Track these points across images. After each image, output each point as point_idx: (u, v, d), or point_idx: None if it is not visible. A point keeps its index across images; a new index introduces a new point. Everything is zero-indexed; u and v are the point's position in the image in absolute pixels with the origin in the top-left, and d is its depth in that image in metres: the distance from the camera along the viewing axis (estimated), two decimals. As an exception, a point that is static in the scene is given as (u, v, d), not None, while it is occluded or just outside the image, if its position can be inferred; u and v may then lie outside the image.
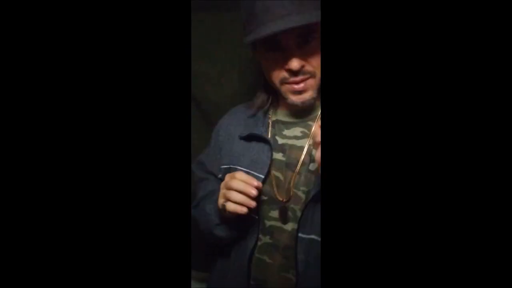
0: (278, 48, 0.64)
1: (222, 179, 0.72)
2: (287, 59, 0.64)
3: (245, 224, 0.72)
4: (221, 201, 0.68)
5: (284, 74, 0.65)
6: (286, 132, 0.72)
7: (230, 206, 0.65)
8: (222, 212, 0.69)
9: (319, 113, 0.69)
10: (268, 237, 0.70)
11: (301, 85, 0.65)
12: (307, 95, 0.67)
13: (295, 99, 0.67)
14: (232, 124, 0.80)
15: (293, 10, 0.60)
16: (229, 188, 0.65)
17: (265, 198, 0.71)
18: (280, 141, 0.72)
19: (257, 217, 0.71)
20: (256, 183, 0.64)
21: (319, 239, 0.64)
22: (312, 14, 0.61)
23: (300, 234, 0.66)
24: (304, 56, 0.64)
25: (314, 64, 0.65)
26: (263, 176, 0.69)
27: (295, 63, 0.63)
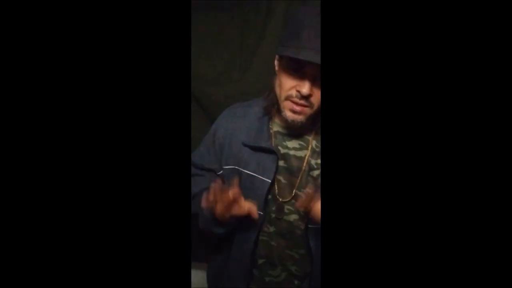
0: (300, 72, 0.76)
1: (222, 176, 0.87)
2: (302, 83, 0.76)
3: (246, 220, 0.82)
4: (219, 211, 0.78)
5: (293, 92, 0.77)
6: (287, 143, 0.85)
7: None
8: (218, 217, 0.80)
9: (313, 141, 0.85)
10: (272, 227, 0.86)
11: (302, 108, 0.78)
12: (300, 118, 0.79)
13: (290, 116, 0.79)
14: (233, 129, 0.89)
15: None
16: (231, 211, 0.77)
17: (270, 197, 0.85)
18: (282, 150, 0.85)
19: (262, 213, 0.83)
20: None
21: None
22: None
23: (309, 225, 0.82)
24: (314, 89, 0.77)
25: (316, 99, 0.78)
26: (270, 181, 0.82)
27: (306, 89, 0.75)
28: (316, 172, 0.82)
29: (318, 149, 0.83)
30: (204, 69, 1.10)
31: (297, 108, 0.77)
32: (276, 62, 0.82)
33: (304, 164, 0.83)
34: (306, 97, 0.76)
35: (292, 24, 0.77)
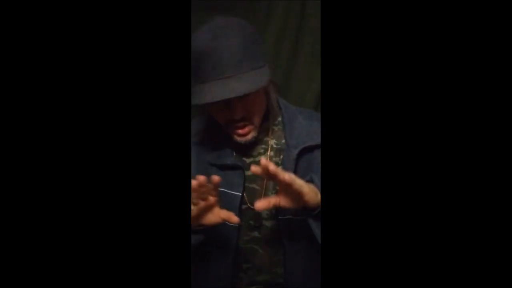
0: (223, 103, 0.73)
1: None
2: (230, 109, 0.74)
3: (224, 230, 0.82)
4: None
5: (228, 119, 0.76)
6: (252, 152, 0.84)
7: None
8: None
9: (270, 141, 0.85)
10: (256, 232, 0.84)
11: (245, 129, 0.77)
12: (249, 137, 0.78)
13: (239, 139, 0.78)
14: (198, 151, 0.87)
15: (239, 70, 0.70)
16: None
17: (245, 206, 0.83)
18: (248, 160, 0.84)
19: (237, 224, 0.79)
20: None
21: (295, 217, 0.80)
22: (255, 80, 0.71)
23: (279, 217, 0.81)
24: (245, 106, 0.74)
25: (253, 113, 0.76)
26: (240, 194, 0.81)
27: (237, 114, 0.74)
28: (280, 168, 0.79)
29: (277, 146, 0.83)
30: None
31: (241, 131, 0.77)
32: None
33: None
34: (241, 119, 0.75)
35: (197, 60, 0.72)
